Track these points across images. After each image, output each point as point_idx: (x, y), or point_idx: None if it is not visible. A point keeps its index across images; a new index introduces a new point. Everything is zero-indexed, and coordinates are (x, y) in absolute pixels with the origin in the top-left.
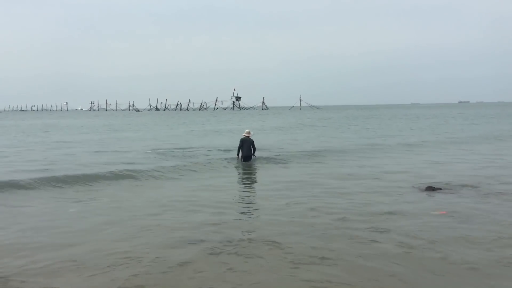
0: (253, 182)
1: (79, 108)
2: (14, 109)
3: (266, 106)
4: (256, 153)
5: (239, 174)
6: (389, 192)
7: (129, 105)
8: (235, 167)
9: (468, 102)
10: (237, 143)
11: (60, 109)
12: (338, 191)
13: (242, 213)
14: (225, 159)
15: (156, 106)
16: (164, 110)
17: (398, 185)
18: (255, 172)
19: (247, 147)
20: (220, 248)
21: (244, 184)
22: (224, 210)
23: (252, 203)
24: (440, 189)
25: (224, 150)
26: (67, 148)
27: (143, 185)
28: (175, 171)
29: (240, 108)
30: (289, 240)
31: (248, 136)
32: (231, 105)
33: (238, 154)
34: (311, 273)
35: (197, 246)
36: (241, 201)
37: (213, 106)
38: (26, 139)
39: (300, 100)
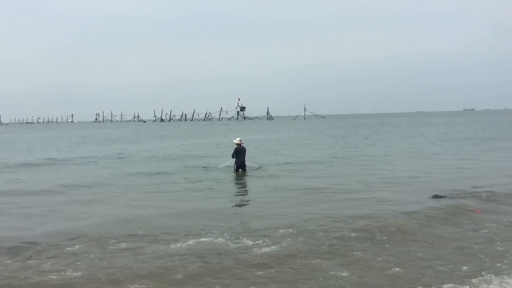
0: None
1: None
2: (20, 121)
3: (270, 116)
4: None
5: None
6: None
7: (134, 116)
8: None
9: (473, 109)
10: None
11: (66, 121)
12: None
13: None
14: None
15: (161, 117)
16: (169, 121)
17: None
18: None
19: (242, 155)
20: None
21: None
22: None
23: None
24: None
25: None
26: None
27: None
28: None
29: (244, 118)
30: None
31: (241, 144)
32: (236, 115)
33: (235, 163)
34: None
35: None
36: None
37: (218, 117)
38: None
39: (305, 109)
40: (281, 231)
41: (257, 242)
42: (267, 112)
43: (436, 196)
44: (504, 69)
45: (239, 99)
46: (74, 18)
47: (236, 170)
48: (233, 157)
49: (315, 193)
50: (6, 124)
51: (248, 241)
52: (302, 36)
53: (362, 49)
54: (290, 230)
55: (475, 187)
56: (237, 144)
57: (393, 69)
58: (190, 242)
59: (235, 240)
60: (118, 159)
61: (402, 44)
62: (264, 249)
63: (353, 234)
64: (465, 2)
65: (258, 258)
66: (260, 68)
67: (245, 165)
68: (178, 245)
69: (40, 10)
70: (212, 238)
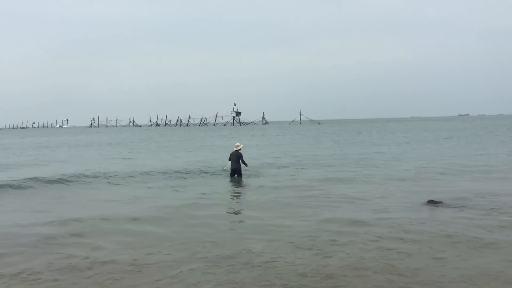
0: None
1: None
2: (14, 126)
3: (266, 121)
4: (247, 163)
5: None
6: None
7: (130, 121)
8: None
9: (468, 115)
10: None
11: (61, 125)
12: None
13: None
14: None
15: (157, 121)
16: (165, 125)
17: None
18: None
19: (234, 160)
20: None
21: None
22: None
23: None
24: (441, 202)
25: None
26: None
27: None
28: None
29: (240, 123)
30: None
31: (237, 150)
32: (231, 120)
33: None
34: None
35: None
36: None
37: (213, 122)
38: None
39: (300, 114)
40: None
41: None
42: (263, 117)
43: (432, 202)
44: (496, 75)
45: (234, 104)
46: (70, 22)
47: (232, 175)
48: (229, 160)
49: None
50: (1, 129)
51: None
52: (298, 41)
53: (356, 54)
54: None
55: None
56: (234, 149)
57: (387, 74)
58: None
59: None
60: None
61: (397, 49)
62: None
63: None
64: (458, 8)
65: None
66: (256, 73)
67: (240, 171)
68: None
69: (36, 13)
70: None
